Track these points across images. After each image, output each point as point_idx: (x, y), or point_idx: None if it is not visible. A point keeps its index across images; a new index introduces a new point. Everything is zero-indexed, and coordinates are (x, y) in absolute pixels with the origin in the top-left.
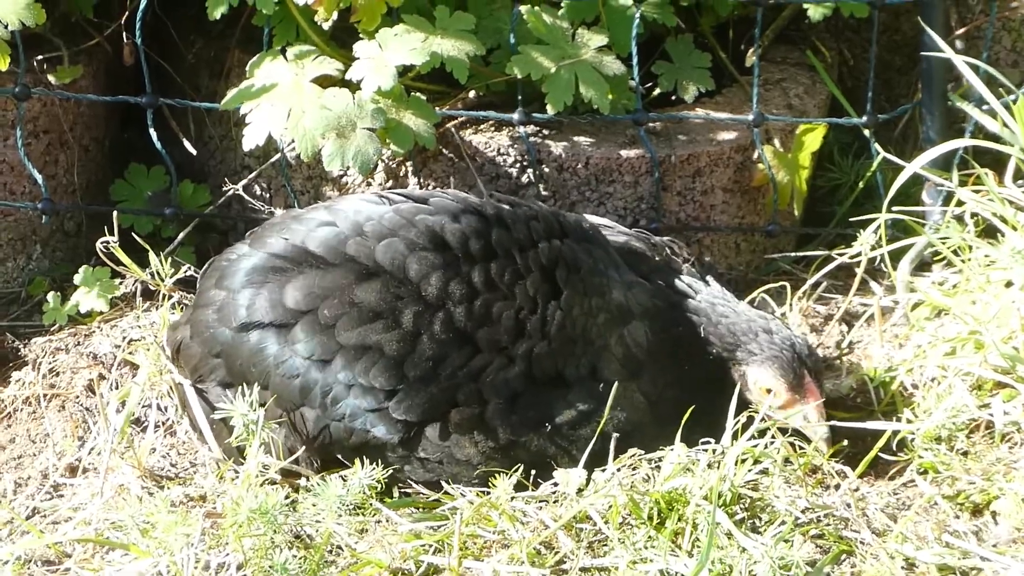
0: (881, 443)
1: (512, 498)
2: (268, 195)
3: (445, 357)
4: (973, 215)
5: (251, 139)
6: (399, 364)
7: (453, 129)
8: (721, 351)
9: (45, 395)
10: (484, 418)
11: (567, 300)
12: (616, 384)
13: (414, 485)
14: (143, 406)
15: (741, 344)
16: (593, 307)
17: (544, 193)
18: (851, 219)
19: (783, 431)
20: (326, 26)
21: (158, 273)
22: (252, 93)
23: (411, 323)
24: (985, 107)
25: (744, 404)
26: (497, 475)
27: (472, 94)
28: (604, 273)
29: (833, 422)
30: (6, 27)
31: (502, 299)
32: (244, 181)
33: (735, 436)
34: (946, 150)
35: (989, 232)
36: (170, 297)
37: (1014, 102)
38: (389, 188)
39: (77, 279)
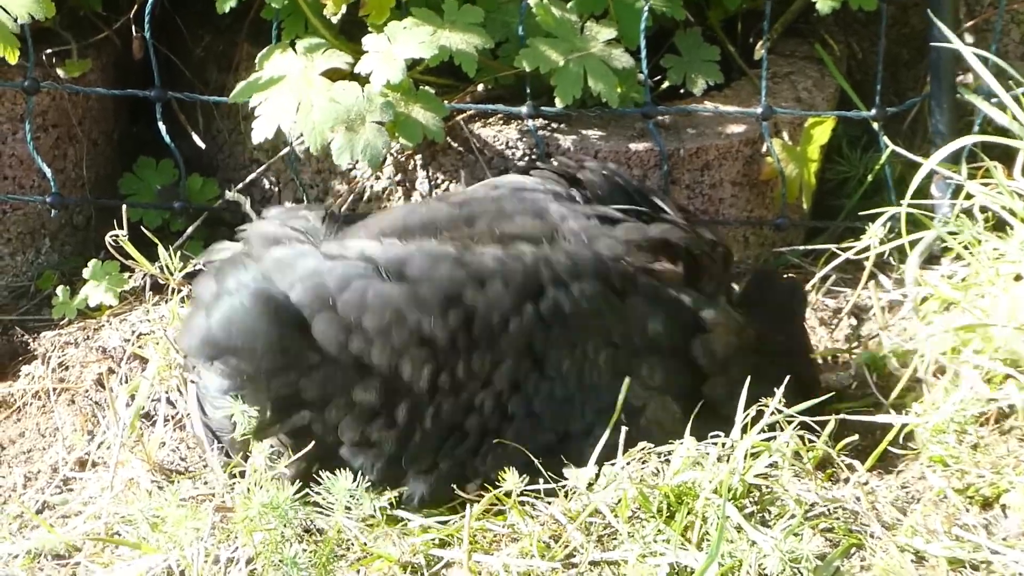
0: (890, 436)
1: (522, 492)
2: (277, 189)
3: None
4: (982, 208)
5: (260, 132)
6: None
7: (462, 122)
8: None
9: (54, 389)
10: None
11: (552, 365)
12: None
13: None
14: (152, 400)
15: None
16: (589, 351)
17: None
18: (860, 212)
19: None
20: (335, 20)
21: (167, 267)
22: (261, 85)
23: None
24: (994, 100)
25: None
26: (506, 469)
27: (480, 87)
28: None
29: (842, 415)
30: (16, 21)
31: (483, 387)
32: (251, 176)
33: (744, 430)
34: (959, 145)
35: (998, 226)
36: (179, 291)
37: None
38: (398, 182)
39: (86, 273)
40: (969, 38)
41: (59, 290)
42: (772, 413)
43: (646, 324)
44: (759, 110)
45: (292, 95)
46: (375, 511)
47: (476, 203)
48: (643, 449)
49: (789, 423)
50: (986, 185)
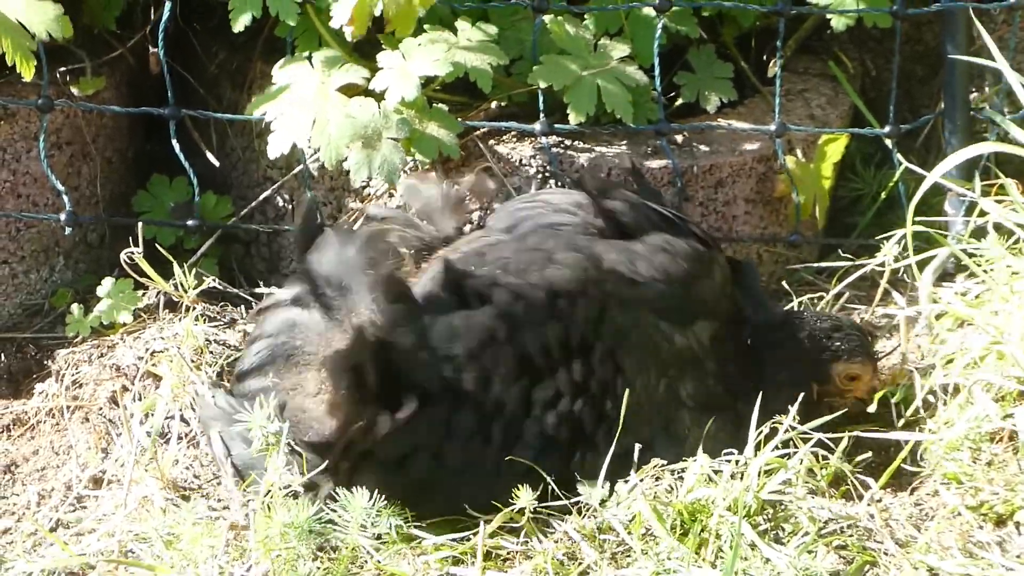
0: (904, 453)
1: (535, 509)
2: (290, 207)
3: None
4: (996, 225)
5: (276, 147)
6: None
7: (478, 139)
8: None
9: (68, 407)
10: None
11: (628, 377)
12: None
13: None
14: (167, 418)
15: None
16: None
17: None
18: (874, 229)
19: (805, 441)
20: (349, 37)
21: (181, 284)
22: (274, 92)
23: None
24: (1009, 116)
25: None
26: (520, 486)
27: (494, 105)
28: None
29: (856, 432)
30: (33, 38)
31: (583, 393)
32: (265, 194)
33: (758, 447)
34: (967, 157)
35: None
36: (193, 308)
37: None
38: None
39: (100, 291)
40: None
41: (73, 308)
42: (786, 430)
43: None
44: (773, 127)
45: (308, 110)
46: (391, 528)
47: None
48: (656, 466)
49: (804, 440)
50: (1000, 202)
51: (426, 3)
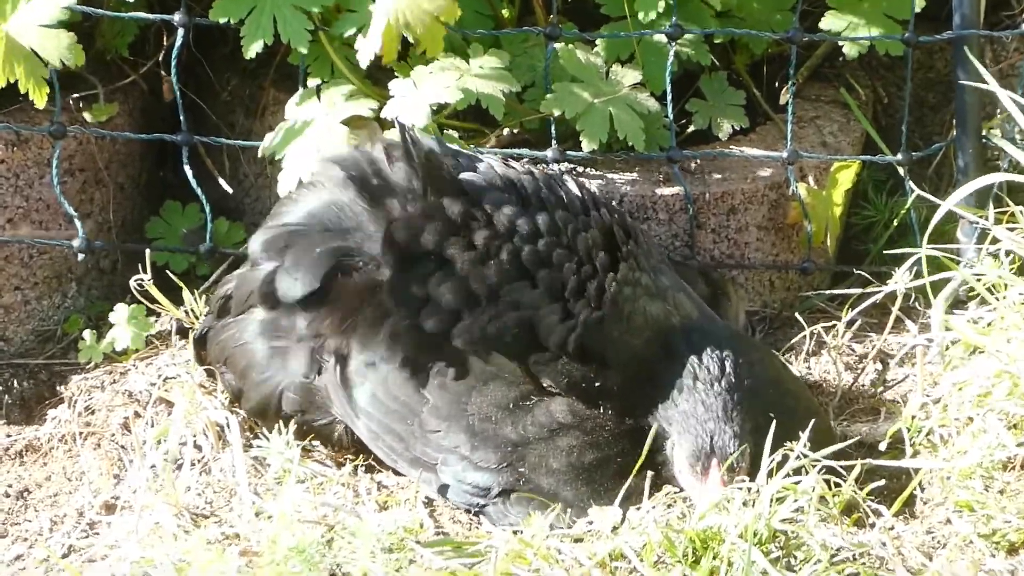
0: (916, 482)
1: (546, 536)
2: None
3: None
4: (1008, 252)
5: (285, 185)
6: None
7: None
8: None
9: (81, 433)
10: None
11: (623, 275)
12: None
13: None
14: (179, 444)
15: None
16: (641, 285)
17: None
18: (886, 256)
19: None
20: (364, 65)
21: (193, 311)
22: (299, 130)
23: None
24: (1021, 143)
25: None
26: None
27: (506, 132)
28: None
29: (868, 460)
30: (46, 65)
31: (564, 247)
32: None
33: (770, 474)
34: (979, 186)
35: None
36: None
37: None
38: None
39: (113, 317)
40: (994, 82)
41: (86, 334)
42: (797, 457)
43: None
44: (785, 154)
45: (312, 143)
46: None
47: None
48: (668, 494)
49: (815, 468)
50: (1012, 230)
51: (450, 17)
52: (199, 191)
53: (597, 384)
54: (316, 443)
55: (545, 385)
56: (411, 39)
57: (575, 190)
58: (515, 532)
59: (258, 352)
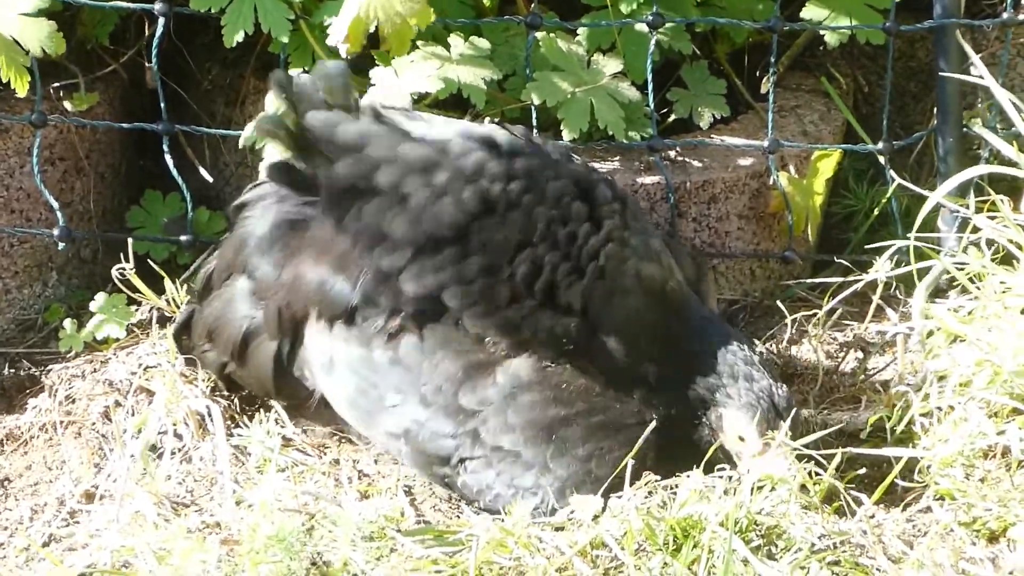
0: (897, 470)
1: (528, 525)
2: None
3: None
4: (989, 242)
5: (264, 169)
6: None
7: None
8: (701, 388)
9: (61, 422)
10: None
11: (608, 231)
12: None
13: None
14: (159, 433)
15: (722, 386)
16: (629, 245)
17: None
18: (867, 246)
19: (800, 458)
20: (343, 54)
21: (174, 300)
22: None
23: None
24: (1001, 132)
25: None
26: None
27: (487, 120)
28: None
29: (849, 448)
30: (27, 53)
31: (538, 194)
32: None
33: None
34: (965, 178)
35: (1005, 259)
36: None
37: None
38: None
39: (93, 306)
40: (984, 68)
41: (66, 323)
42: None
43: None
44: (766, 143)
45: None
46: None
47: None
48: (649, 482)
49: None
50: (993, 219)
51: (423, 22)
52: (180, 180)
53: (582, 340)
54: (297, 432)
55: (521, 340)
56: (380, 38)
57: (553, 151)
58: (496, 520)
59: (240, 309)
